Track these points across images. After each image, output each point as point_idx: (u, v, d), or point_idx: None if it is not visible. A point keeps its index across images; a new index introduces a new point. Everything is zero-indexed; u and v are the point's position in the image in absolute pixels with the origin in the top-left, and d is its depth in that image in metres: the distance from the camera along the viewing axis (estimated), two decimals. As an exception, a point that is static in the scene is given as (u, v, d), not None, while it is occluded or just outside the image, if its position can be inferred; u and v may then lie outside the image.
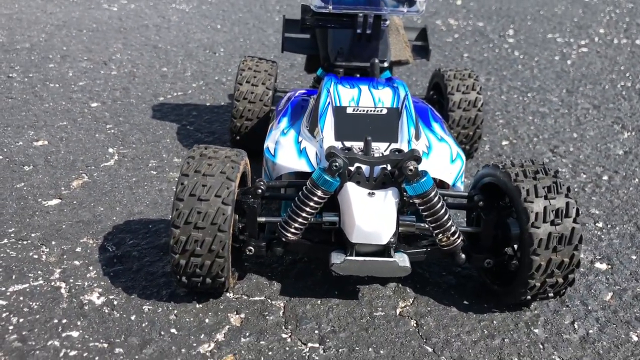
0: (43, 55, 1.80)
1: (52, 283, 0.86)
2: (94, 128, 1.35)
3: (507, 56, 2.08)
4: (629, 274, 0.95)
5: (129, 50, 1.90)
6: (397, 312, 0.84)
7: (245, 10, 2.48)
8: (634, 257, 0.99)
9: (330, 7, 1.08)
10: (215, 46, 2.00)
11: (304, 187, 0.79)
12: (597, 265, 0.97)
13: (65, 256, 0.92)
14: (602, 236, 1.05)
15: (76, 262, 0.90)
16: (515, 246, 0.83)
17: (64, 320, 0.79)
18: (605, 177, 1.26)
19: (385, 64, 1.19)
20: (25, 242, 0.94)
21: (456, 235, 0.80)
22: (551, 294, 0.81)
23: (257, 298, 0.85)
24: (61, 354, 0.74)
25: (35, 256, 0.91)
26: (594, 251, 1.00)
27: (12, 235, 0.96)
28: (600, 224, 1.08)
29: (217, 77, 1.72)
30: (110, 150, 1.26)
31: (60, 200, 1.06)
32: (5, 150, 1.23)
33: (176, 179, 1.15)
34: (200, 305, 0.83)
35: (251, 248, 0.82)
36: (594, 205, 1.15)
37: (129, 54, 1.86)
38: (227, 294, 0.85)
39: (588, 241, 1.03)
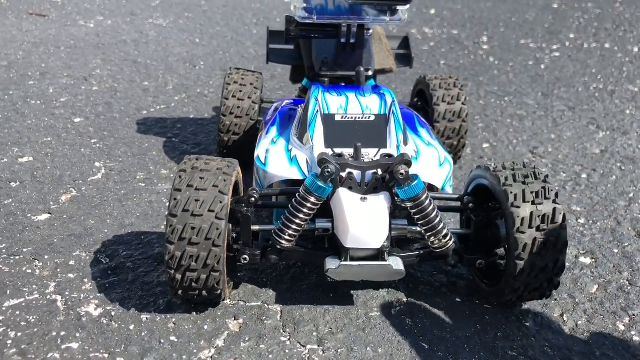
0: (22, 72, 1.79)
1: (48, 296, 0.86)
2: (79, 143, 1.35)
3: (483, 62, 2.13)
4: (612, 267, 0.98)
5: (109, 65, 1.90)
6: (392, 311, 0.85)
7: (222, 24, 2.50)
8: (615, 251, 1.02)
9: (315, 18, 1.09)
10: (195, 60, 2.01)
11: (297, 194, 0.80)
12: (582, 259, 1.00)
13: (59, 270, 0.92)
14: (585, 232, 1.08)
15: (70, 275, 0.90)
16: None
17: (63, 333, 0.79)
18: (584, 175, 1.30)
19: (370, 73, 1.20)
20: (17, 257, 0.94)
21: (448, 238, 0.81)
22: (536, 296, 0.83)
23: (254, 303, 0.86)
24: (62, 366, 0.74)
25: (29, 271, 0.91)
26: (578, 246, 1.04)
27: (4, 250, 0.96)
28: (582, 220, 1.12)
29: (199, 90, 1.73)
30: (97, 164, 1.26)
31: (50, 215, 1.06)
32: (-10, 167, 1.22)
33: (165, 191, 1.16)
34: (198, 313, 0.84)
35: (246, 257, 0.83)
36: (575, 203, 1.18)
37: (109, 70, 1.86)
38: (224, 301, 0.86)
39: (572, 237, 1.06)
